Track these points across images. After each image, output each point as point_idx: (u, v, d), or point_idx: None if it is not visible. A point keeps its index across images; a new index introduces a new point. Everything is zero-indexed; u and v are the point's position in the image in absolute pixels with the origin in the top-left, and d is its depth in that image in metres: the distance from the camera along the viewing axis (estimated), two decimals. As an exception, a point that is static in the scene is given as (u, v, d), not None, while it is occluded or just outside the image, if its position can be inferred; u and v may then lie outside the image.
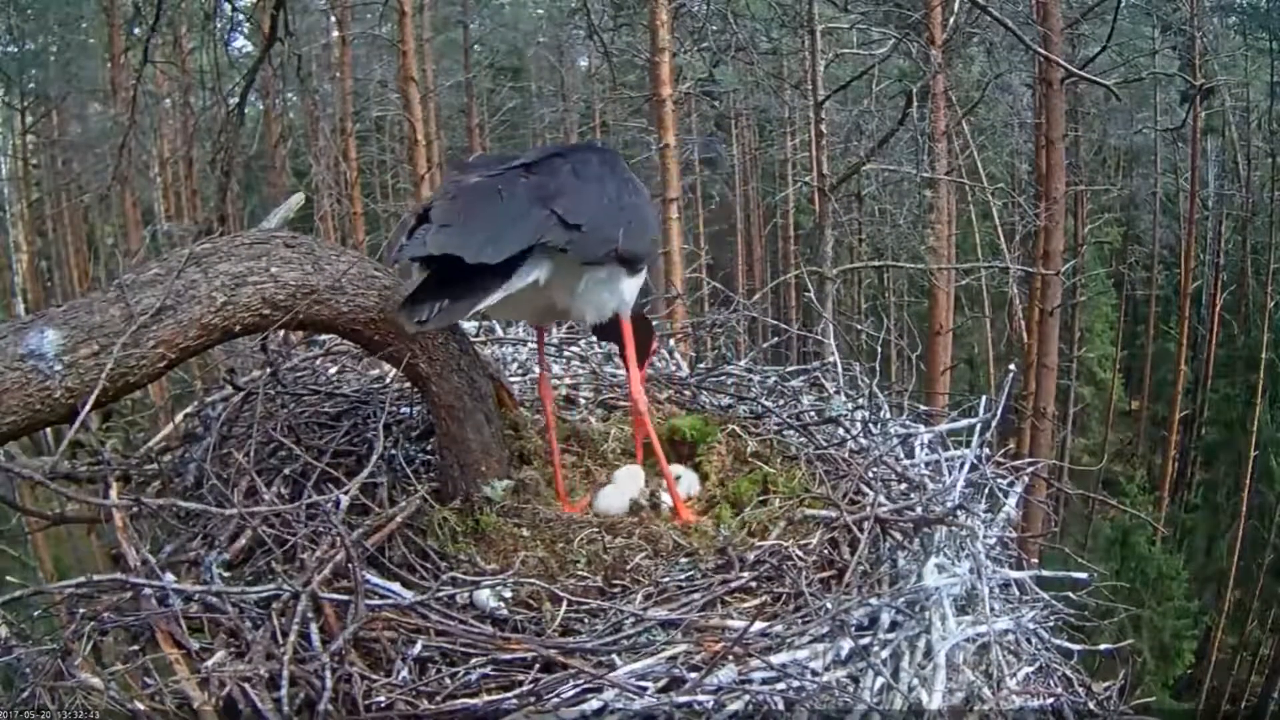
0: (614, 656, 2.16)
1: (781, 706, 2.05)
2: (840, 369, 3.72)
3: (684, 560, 2.51)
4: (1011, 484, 3.23)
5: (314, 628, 2.15)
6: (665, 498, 2.79)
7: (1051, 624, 2.76)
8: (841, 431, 3.33)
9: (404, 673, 2.13)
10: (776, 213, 22.93)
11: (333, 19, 16.18)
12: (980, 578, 2.59)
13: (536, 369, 3.74)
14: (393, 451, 2.90)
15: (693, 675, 2.09)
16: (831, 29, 9.92)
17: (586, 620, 2.32)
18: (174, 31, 14.46)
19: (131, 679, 2.12)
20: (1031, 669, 2.57)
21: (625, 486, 2.84)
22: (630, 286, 2.63)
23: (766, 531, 2.64)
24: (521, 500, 2.68)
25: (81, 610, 2.21)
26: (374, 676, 2.11)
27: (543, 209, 2.28)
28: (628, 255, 2.50)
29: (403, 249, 2.25)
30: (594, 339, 3.97)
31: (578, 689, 2.06)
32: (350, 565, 2.21)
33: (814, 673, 2.17)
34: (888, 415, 3.50)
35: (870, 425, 3.41)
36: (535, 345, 3.88)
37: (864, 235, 13.64)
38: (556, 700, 2.03)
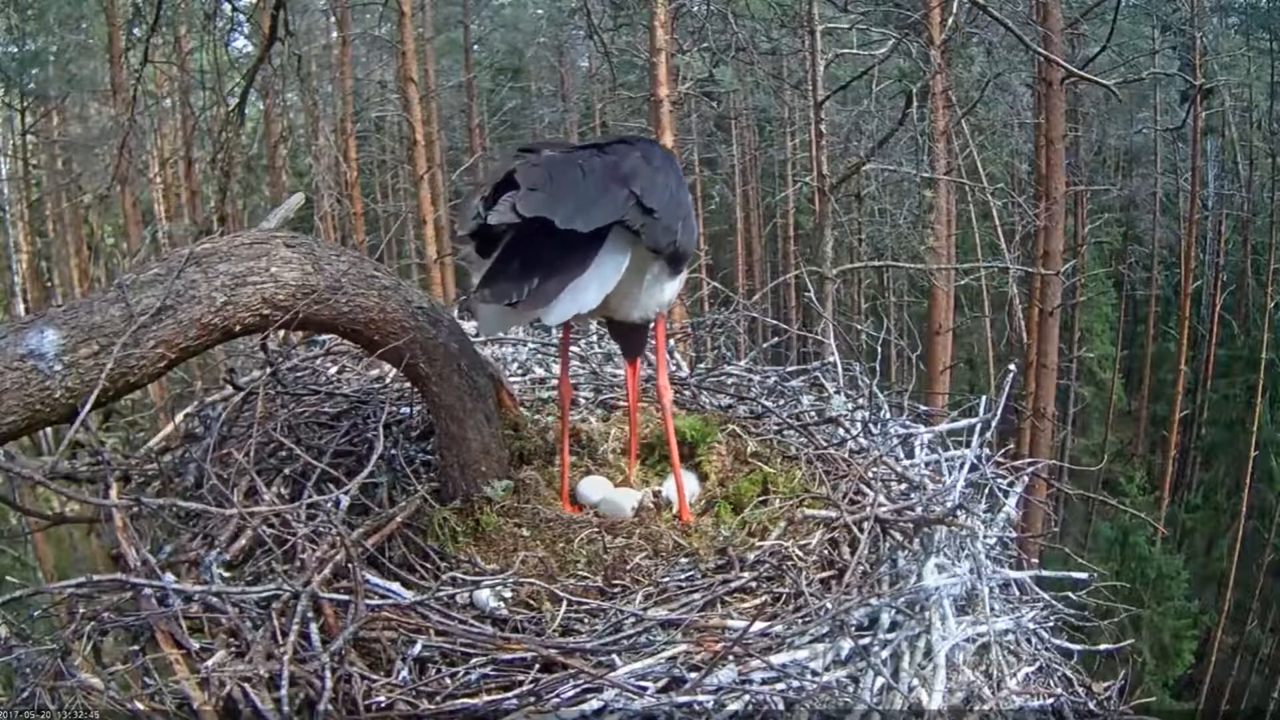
0: (614, 656, 2.16)
1: (781, 706, 2.05)
2: (840, 369, 3.73)
3: (684, 560, 2.52)
4: (1011, 484, 3.23)
5: (314, 628, 2.16)
6: (668, 494, 2.79)
7: (1051, 624, 2.76)
8: (841, 431, 3.33)
9: (404, 673, 2.13)
10: (776, 213, 22.92)
11: (333, 19, 16.18)
12: (980, 578, 2.59)
13: (538, 369, 3.76)
14: (393, 451, 2.90)
15: (693, 675, 2.09)
16: (831, 29, 9.91)
17: (586, 620, 2.32)
18: (174, 31, 14.45)
19: (131, 679, 2.12)
20: (1031, 669, 2.57)
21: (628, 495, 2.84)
22: (672, 287, 2.62)
23: (766, 531, 2.64)
24: (521, 500, 2.68)
25: (81, 610, 2.21)
26: (374, 676, 2.11)
27: (622, 188, 2.19)
28: (681, 251, 2.45)
29: (481, 215, 2.08)
30: (594, 339, 3.97)
31: (578, 689, 2.06)
32: (350, 565, 2.21)
33: (814, 673, 2.17)
34: (888, 415, 3.50)
35: (870, 425, 3.41)
36: (535, 345, 3.90)
37: (864, 235, 13.63)
38: (556, 700, 2.03)
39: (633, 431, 3.05)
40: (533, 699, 2.04)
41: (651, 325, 2.76)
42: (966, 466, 3.06)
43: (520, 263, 2.10)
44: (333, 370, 3.54)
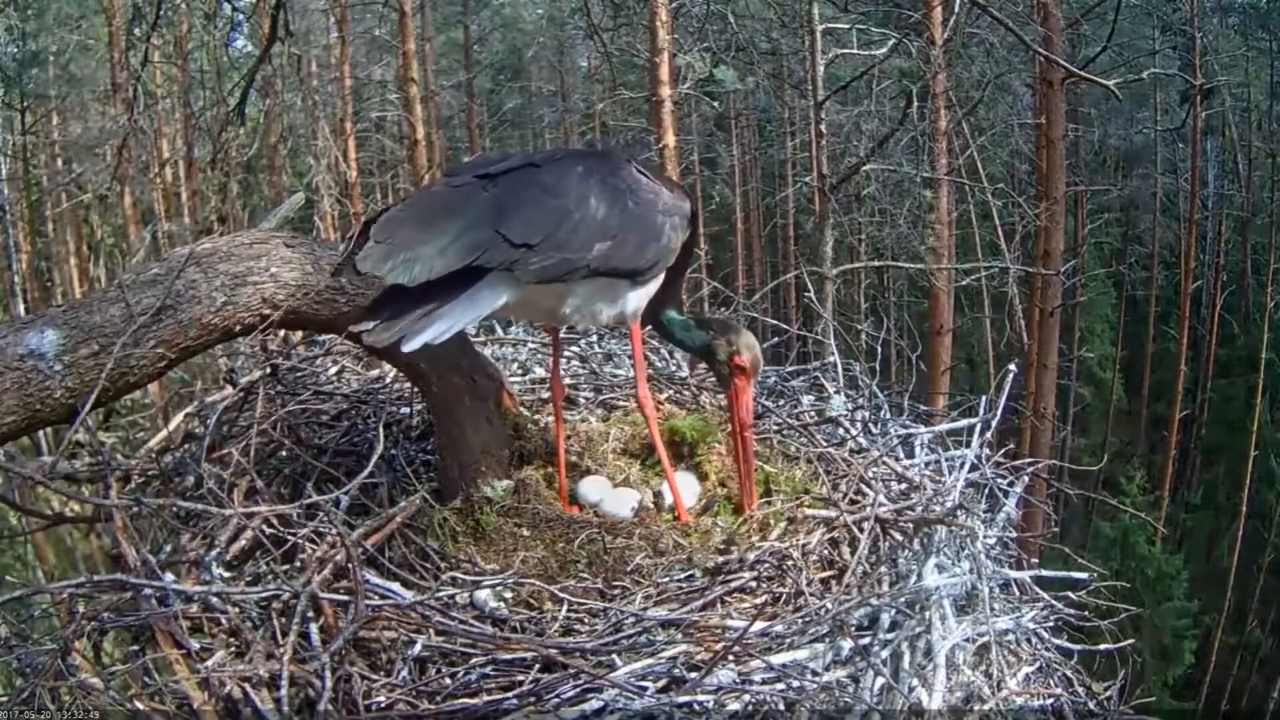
0: (614, 656, 2.16)
1: (781, 706, 2.05)
2: (840, 369, 3.72)
3: (684, 560, 2.51)
4: (1011, 484, 3.23)
5: (314, 628, 2.16)
6: (667, 496, 2.79)
7: (1051, 624, 2.75)
8: (841, 431, 3.33)
9: (404, 673, 2.13)
10: (776, 213, 22.91)
11: (332, 19, 16.17)
12: (980, 578, 2.59)
13: (538, 369, 3.77)
14: (393, 451, 2.90)
15: (693, 675, 2.09)
16: (831, 29, 9.91)
17: (586, 620, 2.32)
18: (174, 31, 14.45)
19: (131, 679, 2.12)
20: (1031, 669, 2.57)
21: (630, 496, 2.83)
22: (635, 297, 2.58)
23: (766, 531, 2.64)
24: (521, 500, 2.68)
25: (81, 610, 2.21)
26: (374, 676, 2.12)
27: (488, 229, 2.18)
28: (613, 270, 2.41)
29: (340, 264, 2.24)
30: (594, 339, 3.97)
31: (578, 689, 2.06)
32: (350, 565, 2.21)
33: (814, 673, 2.17)
34: (888, 415, 3.50)
35: (870, 425, 3.41)
36: (535, 345, 3.91)
37: (864, 235, 13.62)
38: (556, 700, 2.03)
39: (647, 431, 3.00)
40: (533, 699, 2.04)
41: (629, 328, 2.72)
42: (966, 466, 3.06)
43: (399, 293, 2.15)
44: (333, 370, 3.55)
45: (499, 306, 2.30)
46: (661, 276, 2.63)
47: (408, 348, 2.11)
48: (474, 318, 2.30)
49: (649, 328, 2.85)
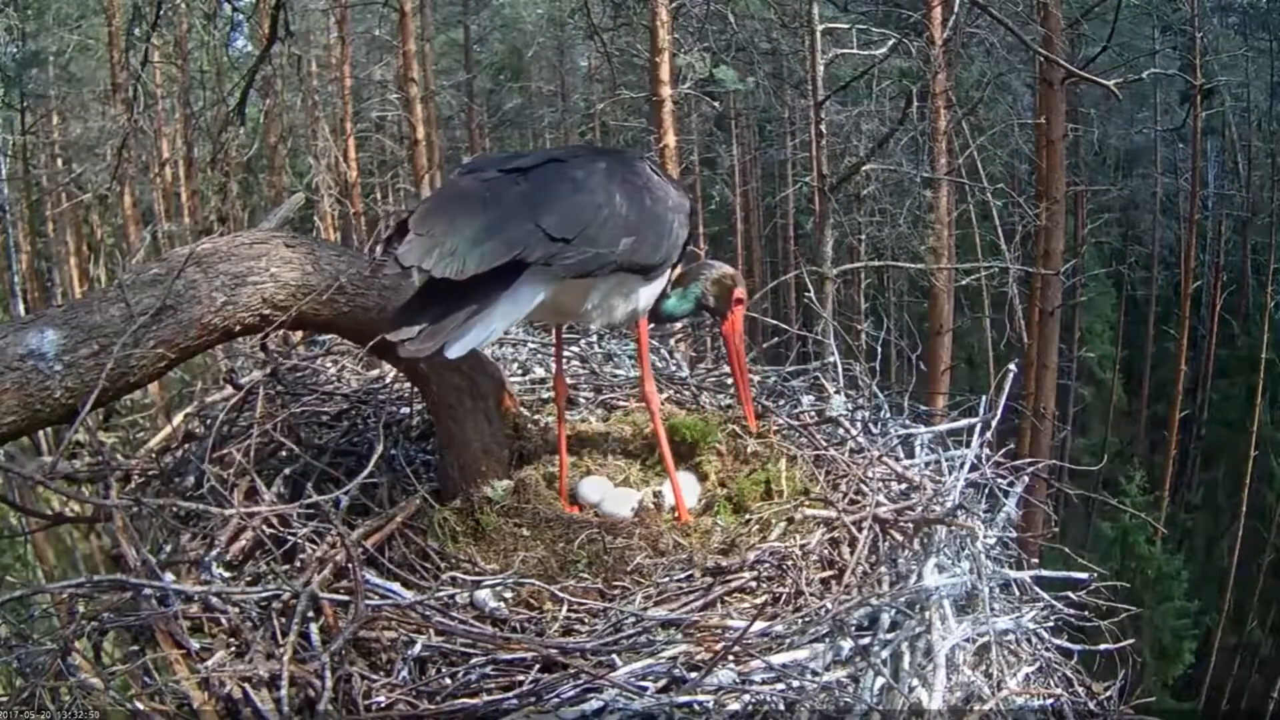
0: (614, 656, 2.16)
1: (781, 706, 2.05)
2: (840, 369, 3.72)
3: (684, 560, 2.51)
4: (1011, 484, 3.23)
5: (314, 628, 2.16)
6: (668, 494, 2.79)
7: (1051, 624, 2.75)
8: (841, 431, 3.33)
9: (404, 673, 2.13)
10: (776, 213, 22.91)
11: (333, 19, 16.16)
12: (980, 578, 2.59)
13: (538, 369, 3.77)
14: (393, 451, 2.90)
15: (693, 675, 2.09)
16: (831, 29, 9.91)
17: (587, 620, 2.32)
18: (174, 31, 14.45)
19: (131, 679, 2.12)
20: (1031, 669, 2.57)
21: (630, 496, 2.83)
22: (647, 292, 2.60)
23: (766, 531, 2.64)
24: (521, 500, 2.68)
25: (81, 610, 2.22)
26: (374, 676, 2.12)
27: (527, 223, 2.16)
28: (632, 265, 2.43)
29: (377, 262, 2.20)
30: (594, 339, 3.97)
31: (578, 689, 2.06)
32: (350, 565, 2.21)
33: (814, 673, 2.17)
34: (888, 415, 3.50)
35: (870, 425, 3.41)
36: (535, 345, 3.91)
37: (864, 235, 13.61)
38: (556, 700, 2.03)
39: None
40: (533, 699, 2.04)
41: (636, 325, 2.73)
42: (966, 466, 3.05)
43: (431, 296, 2.12)
44: (333, 370, 3.55)
45: (536, 305, 2.27)
46: (669, 273, 2.65)
47: (452, 354, 2.08)
48: (515, 318, 2.28)
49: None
